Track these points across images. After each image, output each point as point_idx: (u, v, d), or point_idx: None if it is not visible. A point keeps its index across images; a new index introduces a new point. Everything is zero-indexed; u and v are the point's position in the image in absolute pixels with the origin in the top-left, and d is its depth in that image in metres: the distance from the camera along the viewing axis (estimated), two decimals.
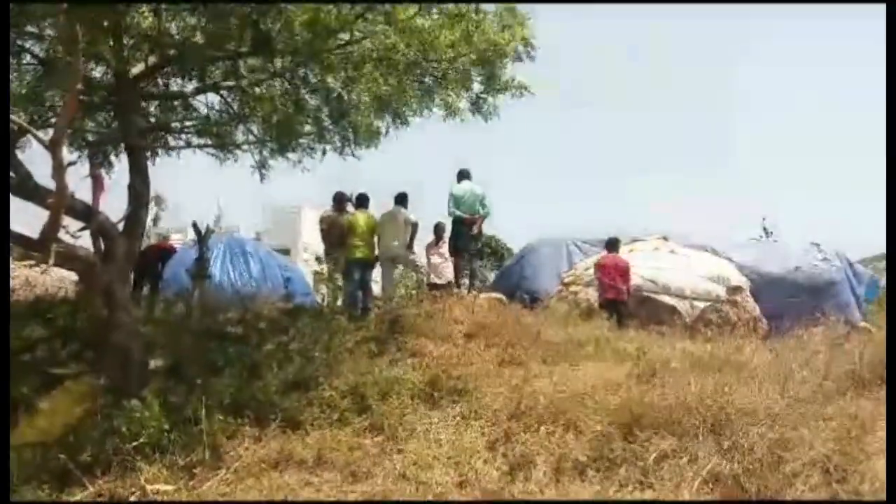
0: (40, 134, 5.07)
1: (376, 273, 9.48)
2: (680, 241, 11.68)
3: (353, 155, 8.30)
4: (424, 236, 10.37)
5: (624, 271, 9.70)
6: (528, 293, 10.81)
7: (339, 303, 8.62)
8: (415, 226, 9.38)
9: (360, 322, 7.88)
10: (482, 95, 7.47)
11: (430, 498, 4.71)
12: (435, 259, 10.60)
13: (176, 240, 13.10)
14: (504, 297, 9.98)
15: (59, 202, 5.01)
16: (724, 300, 10.24)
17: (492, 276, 13.45)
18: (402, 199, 9.51)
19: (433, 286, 9.78)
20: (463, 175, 9.85)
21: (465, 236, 9.72)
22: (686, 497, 4.43)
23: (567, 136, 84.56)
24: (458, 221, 9.71)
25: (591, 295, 10.20)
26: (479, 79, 7.32)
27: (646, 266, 10.46)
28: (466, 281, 9.77)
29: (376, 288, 9.49)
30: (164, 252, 10.93)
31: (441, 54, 6.75)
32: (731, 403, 5.15)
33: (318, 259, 10.68)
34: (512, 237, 18.59)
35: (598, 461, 4.97)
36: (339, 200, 9.42)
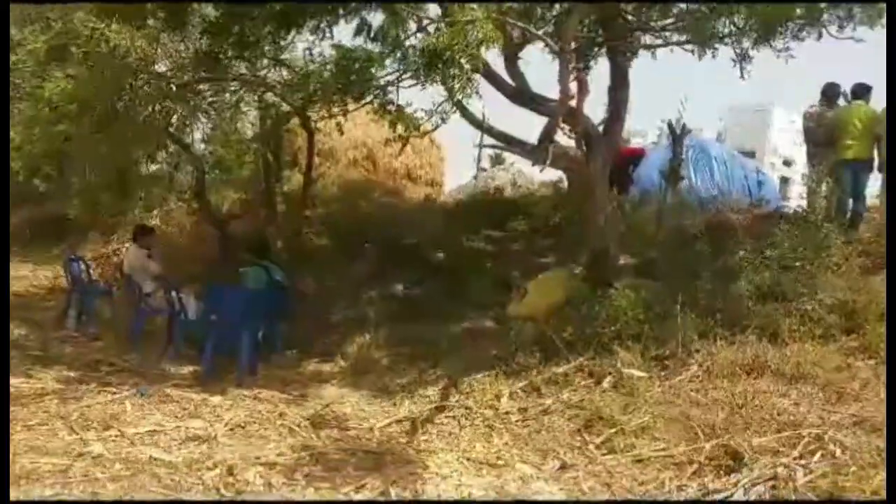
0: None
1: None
2: None
3: (852, 37, 7.03)
4: None
5: None
6: None
7: (824, 210, 7.64)
8: None
9: (850, 233, 6.91)
10: None
11: None
12: None
13: (635, 143, 13.34)
14: None
15: (563, 104, 5.48)
16: None
17: None
18: None
19: None
20: None
21: None
22: None
23: None
24: None
25: None
26: None
27: None
28: None
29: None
30: (634, 155, 11.27)
31: None
32: None
33: (786, 163, 9.65)
34: None
35: None
36: (830, 93, 8.15)
